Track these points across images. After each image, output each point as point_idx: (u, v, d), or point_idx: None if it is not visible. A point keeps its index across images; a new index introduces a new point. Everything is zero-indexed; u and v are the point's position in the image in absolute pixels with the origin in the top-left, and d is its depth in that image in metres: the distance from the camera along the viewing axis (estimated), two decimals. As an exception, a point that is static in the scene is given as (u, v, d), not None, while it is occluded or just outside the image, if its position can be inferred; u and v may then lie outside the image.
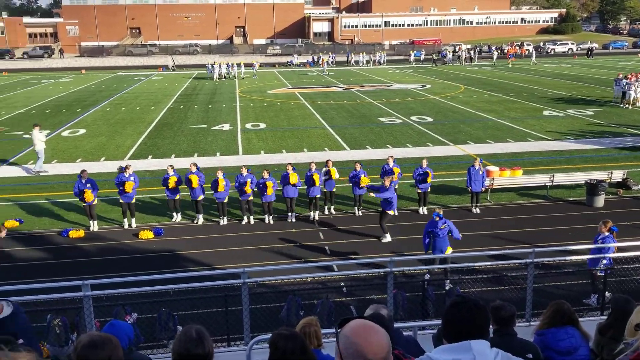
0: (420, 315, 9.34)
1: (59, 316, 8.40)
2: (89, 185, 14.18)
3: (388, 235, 13.42)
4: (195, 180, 14.44)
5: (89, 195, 14.10)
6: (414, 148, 22.32)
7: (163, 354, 7.68)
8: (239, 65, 53.94)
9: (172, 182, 14.57)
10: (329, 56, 66.02)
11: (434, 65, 62.80)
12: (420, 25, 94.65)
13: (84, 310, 6.84)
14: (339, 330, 2.14)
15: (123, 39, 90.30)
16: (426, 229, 11.38)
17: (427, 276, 10.62)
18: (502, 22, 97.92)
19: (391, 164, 15.20)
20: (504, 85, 42.11)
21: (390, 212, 13.49)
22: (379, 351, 2.04)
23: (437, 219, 11.10)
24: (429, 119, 28.61)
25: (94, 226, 14.45)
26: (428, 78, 49.39)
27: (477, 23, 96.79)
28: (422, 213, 15.25)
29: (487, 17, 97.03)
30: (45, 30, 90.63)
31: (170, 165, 15.21)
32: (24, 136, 24.89)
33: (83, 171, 14.50)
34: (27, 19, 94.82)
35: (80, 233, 14.01)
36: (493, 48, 71.13)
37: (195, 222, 14.92)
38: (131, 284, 7.64)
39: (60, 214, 15.53)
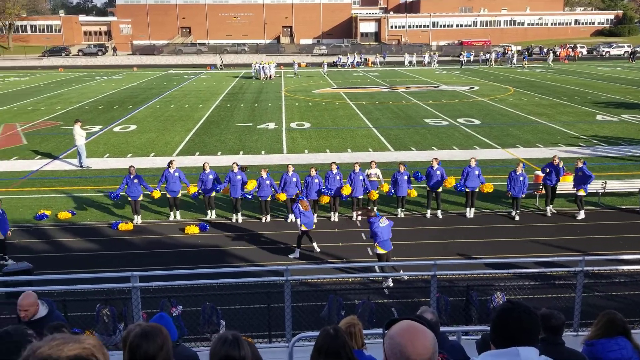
0: (463, 321, 9.21)
1: (107, 306, 8.68)
2: (136, 181, 14.65)
3: None
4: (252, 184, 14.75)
5: (157, 193, 14.99)
6: (460, 151, 21.98)
7: (207, 347, 7.81)
8: (272, 65, 53.84)
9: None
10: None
11: (460, 66, 62.29)
12: (470, 25, 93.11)
13: (132, 301, 7.04)
14: (385, 331, 2.14)
15: (174, 37, 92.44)
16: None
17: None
18: (555, 24, 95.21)
19: (435, 166, 15.01)
20: (556, 89, 40.94)
21: None
22: (423, 353, 2.02)
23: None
24: (477, 122, 28.12)
25: (138, 219, 14.85)
26: (476, 80, 48.53)
27: (528, 24, 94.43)
28: (468, 216, 15.00)
29: (540, 18, 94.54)
30: (100, 28, 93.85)
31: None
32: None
33: (131, 167, 14.98)
34: (82, 18, 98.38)
35: (129, 226, 14.44)
36: (545, 50, 69.31)
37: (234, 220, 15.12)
38: (177, 277, 7.82)
39: (111, 207, 16.03)
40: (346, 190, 14.52)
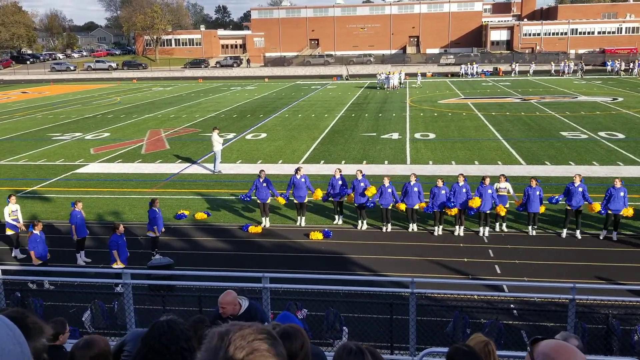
0: (602, 351, 8.48)
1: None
2: (265, 185, 15.31)
3: None
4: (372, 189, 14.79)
5: (281, 200, 15.53)
6: (600, 167, 20.33)
7: (330, 352, 7.91)
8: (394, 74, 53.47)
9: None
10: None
11: (581, 76, 58.00)
12: (614, 32, 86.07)
13: (262, 301, 7.33)
14: (530, 348, 2.04)
15: (302, 49, 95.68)
16: None
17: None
18: None
19: (577, 183, 13.98)
20: None
21: None
22: None
23: None
24: (620, 136, 25.87)
25: (266, 222, 15.49)
26: (620, 90, 44.73)
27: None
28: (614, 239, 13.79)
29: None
30: (236, 42, 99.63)
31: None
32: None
33: (261, 171, 15.68)
34: (220, 32, 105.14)
35: (258, 229, 15.11)
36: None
37: (358, 227, 15.21)
38: (306, 281, 8.02)
39: (241, 210, 16.90)
40: (475, 203, 13.99)
